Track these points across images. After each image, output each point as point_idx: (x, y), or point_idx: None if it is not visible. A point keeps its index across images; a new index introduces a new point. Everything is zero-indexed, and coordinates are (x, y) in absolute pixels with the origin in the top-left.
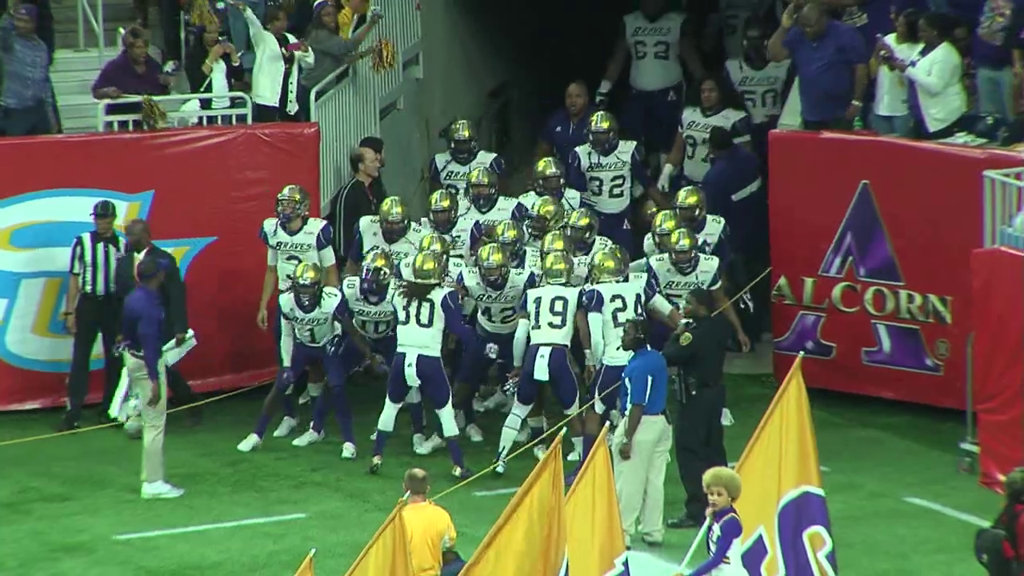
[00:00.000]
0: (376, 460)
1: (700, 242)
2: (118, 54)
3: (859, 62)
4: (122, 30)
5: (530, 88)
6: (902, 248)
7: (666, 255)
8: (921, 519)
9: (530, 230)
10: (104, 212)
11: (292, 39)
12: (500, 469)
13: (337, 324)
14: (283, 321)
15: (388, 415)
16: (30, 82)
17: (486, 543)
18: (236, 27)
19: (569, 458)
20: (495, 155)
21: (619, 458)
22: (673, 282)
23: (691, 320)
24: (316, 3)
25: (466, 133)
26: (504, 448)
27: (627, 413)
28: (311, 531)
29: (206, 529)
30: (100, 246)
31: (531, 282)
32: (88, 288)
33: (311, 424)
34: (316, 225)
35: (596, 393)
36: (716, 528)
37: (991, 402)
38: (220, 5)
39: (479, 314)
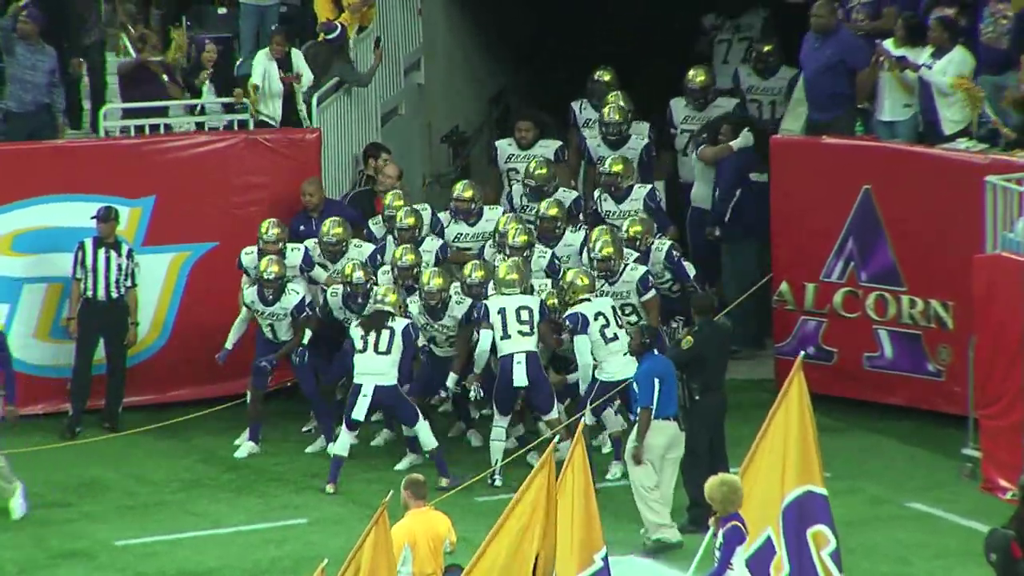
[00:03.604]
0: (330, 488)
1: (643, 274)
2: (134, 57)
3: (861, 67)
4: (124, 37)
5: (531, 93)
6: (904, 253)
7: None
8: (922, 524)
9: (497, 248)
10: (107, 216)
11: (301, 64)
12: (498, 483)
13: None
14: (243, 309)
15: (344, 441)
16: (31, 86)
17: (480, 552)
18: (245, 28)
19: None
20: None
21: (632, 463)
22: (601, 290)
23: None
24: (332, 36)
25: (468, 193)
26: (496, 461)
27: (637, 418)
28: (312, 536)
29: (207, 535)
30: (102, 251)
31: (470, 315)
32: (90, 293)
33: (319, 431)
34: (295, 257)
35: (588, 406)
36: (719, 535)
37: (992, 407)
38: (221, 11)
39: (426, 341)
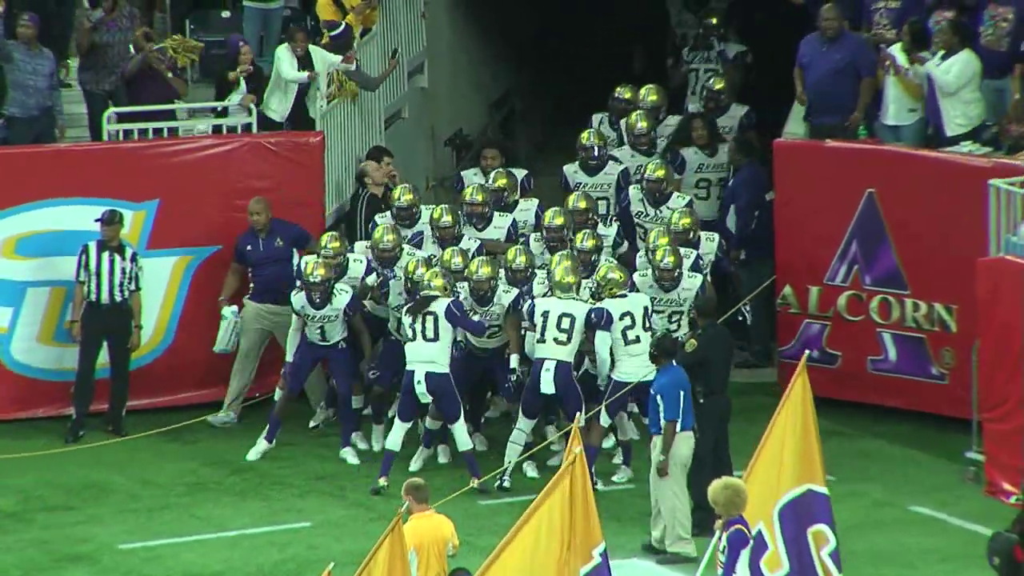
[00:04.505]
0: (382, 481)
1: (694, 259)
2: (139, 57)
3: (867, 75)
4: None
5: (535, 96)
6: (908, 257)
7: (649, 271)
8: (926, 528)
9: (547, 243)
10: (111, 219)
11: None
12: (507, 484)
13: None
14: (294, 317)
15: (397, 435)
16: (32, 91)
17: (495, 555)
18: (249, 31)
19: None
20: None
21: (657, 476)
22: (655, 298)
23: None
24: (336, 33)
25: (480, 197)
26: (510, 463)
27: (662, 430)
28: (316, 540)
29: (210, 538)
30: (106, 255)
31: (517, 302)
32: (93, 297)
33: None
34: (358, 269)
35: (604, 405)
36: (724, 539)
37: (996, 411)
38: (225, 14)
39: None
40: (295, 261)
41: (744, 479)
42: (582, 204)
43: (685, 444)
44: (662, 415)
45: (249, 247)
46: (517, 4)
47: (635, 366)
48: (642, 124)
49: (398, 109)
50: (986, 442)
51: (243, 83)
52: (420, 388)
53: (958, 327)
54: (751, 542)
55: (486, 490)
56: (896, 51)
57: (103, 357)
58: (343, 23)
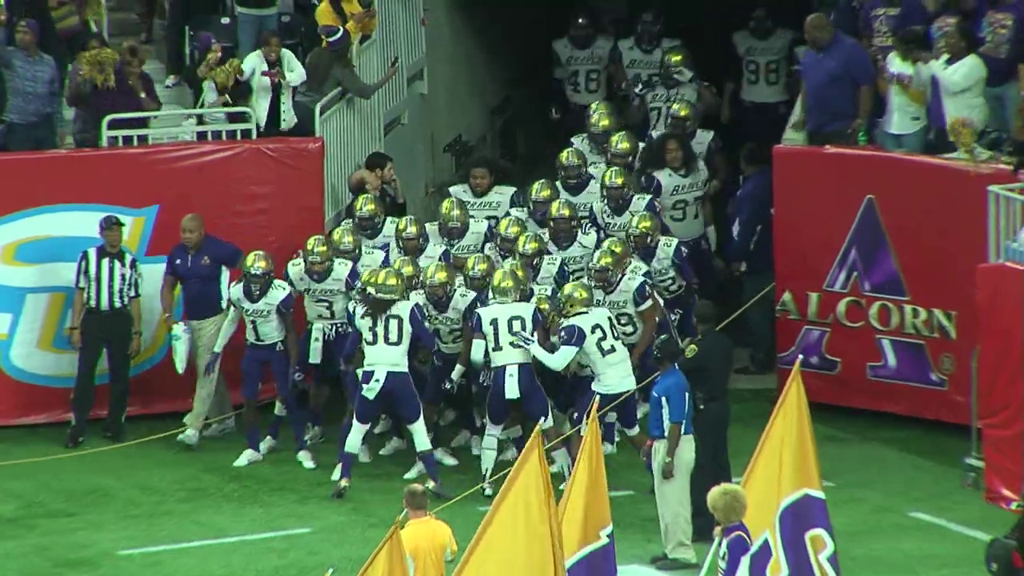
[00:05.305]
0: (344, 483)
1: (643, 283)
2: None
3: (863, 83)
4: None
5: (534, 101)
6: (907, 263)
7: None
8: (926, 534)
9: (500, 252)
10: (111, 226)
11: (291, 62)
12: (488, 492)
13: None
14: (231, 309)
15: (356, 437)
16: (32, 97)
17: (474, 543)
18: (244, 38)
19: (552, 470)
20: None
21: (661, 480)
22: (599, 300)
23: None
24: (334, 39)
25: (457, 212)
26: (487, 469)
27: (668, 432)
28: (316, 546)
29: (210, 544)
30: (105, 261)
31: (474, 305)
32: (93, 303)
33: (313, 441)
34: (343, 271)
35: (585, 419)
36: (724, 545)
37: (995, 417)
38: (225, 20)
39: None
40: (223, 279)
41: (742, 487)
42: (566, 212)
43: (688, 448)
44: (666, 417)
45: (179, 261)
46: (519, 12)
47: (616, 376)
48: (623, 145)
49: (398, 115)
50: (985, 448)
51: (210, 89)
52: (376, 385)
53: (958, 333)
54: (751, 548)
55: (442, 495)
56: (894, 60)
57: (103, 363)
58: (341, 28)
